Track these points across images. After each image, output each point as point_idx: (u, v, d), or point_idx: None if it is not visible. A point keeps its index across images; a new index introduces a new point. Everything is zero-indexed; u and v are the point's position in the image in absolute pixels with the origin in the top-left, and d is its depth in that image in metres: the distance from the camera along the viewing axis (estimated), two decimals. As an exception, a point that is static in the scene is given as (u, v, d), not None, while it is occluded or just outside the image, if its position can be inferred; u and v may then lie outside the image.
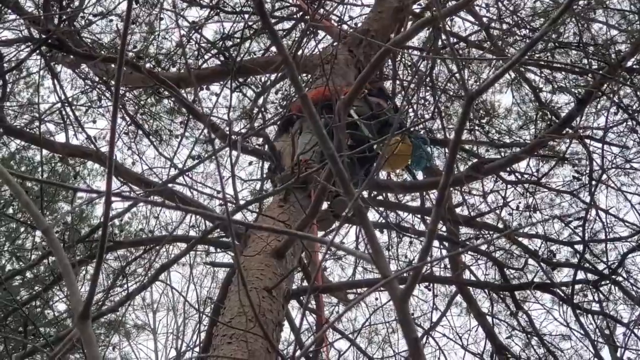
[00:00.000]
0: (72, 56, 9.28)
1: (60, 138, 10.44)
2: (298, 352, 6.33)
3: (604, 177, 9.24)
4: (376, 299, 10.89)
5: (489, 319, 9.86)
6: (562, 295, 8.61)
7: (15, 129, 9.06)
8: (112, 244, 8.57)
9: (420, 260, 1.79)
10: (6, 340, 8.50)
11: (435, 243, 10.08)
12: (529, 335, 9.95)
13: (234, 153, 6.35)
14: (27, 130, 9.33)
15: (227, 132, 7.26)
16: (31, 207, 1.94)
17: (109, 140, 1.72)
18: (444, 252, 10.14)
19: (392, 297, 1.75)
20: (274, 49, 11.53)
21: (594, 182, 9.03)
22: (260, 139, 8.66)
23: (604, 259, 9.31)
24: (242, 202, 5.89)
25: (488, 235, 10.04)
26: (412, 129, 7.93)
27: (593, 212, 9.23)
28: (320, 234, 8.33)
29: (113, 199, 1.70)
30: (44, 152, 8.99)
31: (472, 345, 10.17)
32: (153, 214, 11.28)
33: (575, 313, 8.22)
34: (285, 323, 6.59)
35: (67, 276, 1.87)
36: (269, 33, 2.24)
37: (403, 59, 11.49)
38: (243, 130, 9.73)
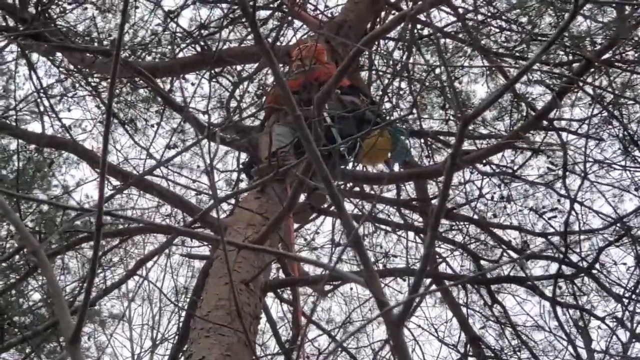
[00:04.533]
0: (47, 45, 9.22)
1: (36, 127, 10.38)
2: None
3: (577, 168, 9.31)
4: (351, 289, 10.95)
5: (464, 309, 9.90)
6: (539, 288, 8.64)
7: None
8: (88, 234, 8.52)
9: (414, 289, 1.80)
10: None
11: (411, 236, 10.13)
12: (502, 326, 10.01)
13: (213, 145, 6.36)
14: (2, 119, 9.28)
15: (205, 124, 7.26)
16: (21, 227, 1.93)
17: (101, 165, 1.71)
18: (420, 245, 10.16)
19: (386, 323, 1.76)
20: (250, 37, 11.51)
21: (573, 174, 9.09)
22: (238, 131, 8.65)
23: (578, 251, 9.35)
24: (220, 194, 5.89)
25: (463, 226, 10.08)
26: (390, 123, 7.92)
27: (567, 203, 9.27)
28: (296, 226, 8.35)
29: (104, 218, 1.70)
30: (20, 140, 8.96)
31: (447, 337, 10.22)
32: (129, 204, 11.24)
33: (553, 307, 8.25)
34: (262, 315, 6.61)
35: (57, 298, 1.86)
36: (253, 32, 2.22)
37: (379, 50, 11.48)
38: (219, 121, 9.72)
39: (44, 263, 1.88)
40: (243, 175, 8.64)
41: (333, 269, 2.07)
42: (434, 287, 9.42)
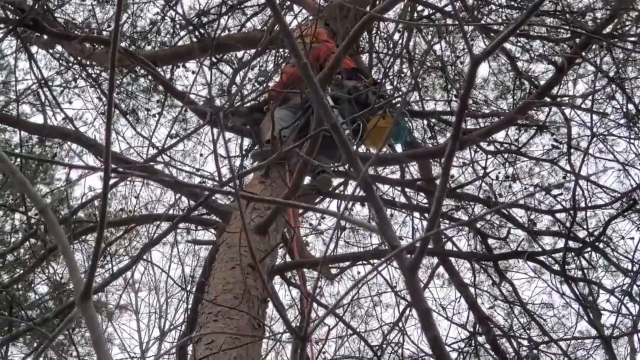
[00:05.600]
0: (46, 36, 9.19)
1: (38, 119, 10.35)
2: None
3: (582, 144, 9.28)
4: (358, 272, 10.92)
5: (472, 289, 9.85)
6: (550, 264, 8.59)
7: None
8: (93, 225, 8.52)
9: (428, 229, 1.77)
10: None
11: (417, 215, 10.08)
12: (511, 305, 9.97)
13: (216, 130, 6.33)
14: (4, 112, 9.25)
15: (207, 110, 7.23)
16: (27, 186, 1.91)
17: (106, 122, 1.69)
18: (425, 223, 10.10)
19: (400, 268, 1.73)
20: (249, 24, 11.48)
21: (578, 151, 9.04)
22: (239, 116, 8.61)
23: (585, 227, 9.30)
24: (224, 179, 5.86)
25: (469, 206, 10.02)
26: (389, 102, 7.87)
27: (573, 179, 9.23)
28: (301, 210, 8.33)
29: (112, 174, 1.67)
30: (22, 133, 8.93)
31: (456, 316, 10.18)
32: (133, 193, 11.24)
33: (567, 281, 8.20)
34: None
35: (66, 254, 1.84)
36: (272, 11, 2.20)
37: (379, 32, 11.44)
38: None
39: (52, 221, 1.86)
40: (247, 162, 8.63)
41: (342, 216, 2.04)
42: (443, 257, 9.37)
